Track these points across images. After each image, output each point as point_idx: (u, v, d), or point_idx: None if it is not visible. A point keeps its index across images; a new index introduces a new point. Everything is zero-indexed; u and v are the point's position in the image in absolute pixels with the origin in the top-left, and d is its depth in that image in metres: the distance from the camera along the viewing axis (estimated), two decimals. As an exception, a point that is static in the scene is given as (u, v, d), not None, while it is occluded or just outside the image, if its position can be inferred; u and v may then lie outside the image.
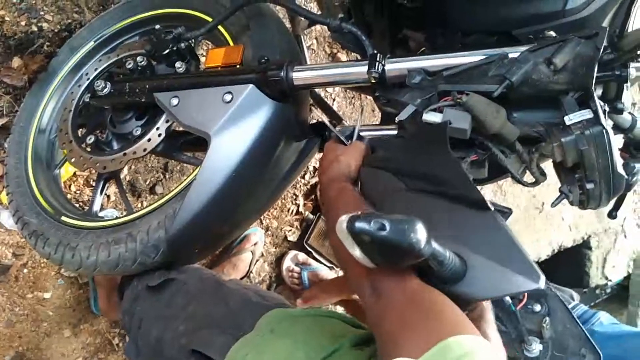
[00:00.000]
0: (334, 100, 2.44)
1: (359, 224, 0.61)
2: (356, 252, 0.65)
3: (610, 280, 3.91)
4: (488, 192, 3.02)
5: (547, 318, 0.93)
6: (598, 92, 0.94)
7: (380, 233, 0.60)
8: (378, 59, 1.04)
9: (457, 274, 0.70)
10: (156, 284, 1.19)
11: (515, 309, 0.71)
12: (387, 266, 0.69)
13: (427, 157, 0.93)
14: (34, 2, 1.64)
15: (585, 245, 3.73)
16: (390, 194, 0.94)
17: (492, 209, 0.79)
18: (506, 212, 0.91)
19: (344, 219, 0.64)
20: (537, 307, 0.90)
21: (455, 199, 0.83)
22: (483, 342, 0.61)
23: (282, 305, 1.12)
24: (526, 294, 0.74)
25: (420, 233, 0.61)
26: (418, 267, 0.69)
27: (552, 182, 1.00)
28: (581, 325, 1.06)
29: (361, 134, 1.18)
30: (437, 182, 0.87)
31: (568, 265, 3.71)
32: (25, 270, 1.68)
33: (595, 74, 0.86)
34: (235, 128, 1.11)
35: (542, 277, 0.69)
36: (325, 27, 1.22)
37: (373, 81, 1.06)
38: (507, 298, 0.72)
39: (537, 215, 3.32)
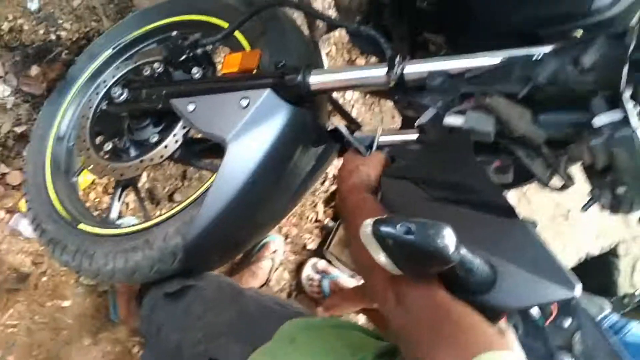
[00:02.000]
0: (352, 106, 2.41)
1: (385, 228, 0.59)
2: (381, 258, 0.62)
3: (638, 289, 3.81)
4: (513, 198, 2.97)
5: (578, 332, 0.89)
6: (628, 92, 0.91)
7: (407, 237, 0.57)
8: (397, 61, 1.01)
9: (486, 283, 0.66)
10: (174, 290, 1.18)
11: (544, 324, 0.68)
12: (413, 273, 0.66)
13: (450, 165, 0.90)
14: (52, 10, 1.65)
15: (612, 253, 3.64)
16: (414, 204, 0.90)
17: (521, 216, 0.76)
18: (531, 224, 0.88)
19: (368, 223, 0.61)
20: (567, 322, 0.86)
21: (481, 206, 0.79)
22: (517, 358, 0.58)
23: (301, 314, 1.09)
24: (556, 309, 0.70)
25: (448, 238, 0.58)
26: (443, 276, 0.66)
27: (578, 189, 0.96)
28: (610, 340, 1.02)
29: (381, 140, 1.16)
30: (462, 190, 0.83)
31: (595, 273, 3.62)
32: (44, 279, 1.68)
33: (624, 74, 0.83)
34: (252, 133, 1.09)
35: (579, 285, 0.66)
36: (344, 34, 1.20)
37: (392, 84, 1.03)
38: (535, 313, 0.68)
39: (563, 222, 3.25)
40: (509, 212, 0.77)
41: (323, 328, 0.98)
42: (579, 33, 0.96)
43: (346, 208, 1.00)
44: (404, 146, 1.14)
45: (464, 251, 0.61)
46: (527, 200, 3.08)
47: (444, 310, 0.64)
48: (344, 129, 1.18)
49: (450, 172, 0.89)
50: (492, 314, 0.65)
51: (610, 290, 3.72)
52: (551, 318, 0.70)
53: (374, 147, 1.14)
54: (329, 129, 1.31)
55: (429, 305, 0.66)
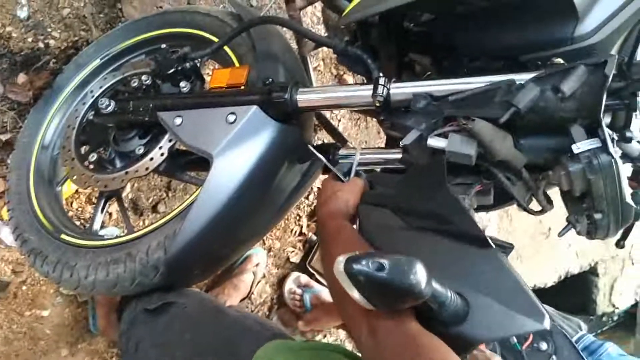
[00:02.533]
0: (339, 121, 2.43)
1: (357, 266, 0.59)
2: (354, 294, 0.63)
3: (617, 308, 3.86)
4: (494, 216, 3.00)
5: (554, 357, 0.91)
6: (606, 120, 0.93)
7: (379, 274, 0.58)
8: (383, 83, 1.03)
9: (458, 315, 0.68)
10: (154, 307, 1.17)
11: (521, 348, 0.69)
12: (386, 308, 0.67)
13: (426, 193, 0.91)
14: (41, 19, 1.65)
15: (592, 272, 3.69)
16: (390, 233, 0.91)
17: (494, 246, 0.77)
18: (507, 248, 0.89)
19: (341, 260, 0.62)
20: (544, 346, 0.88)
21: (456, 236, 0.80)
22: None
23: (282, 336, 1.09)
24: (532, 335, 0.72)
25: (420, 274, 0.59)
26: (417, 308, 0.67)
27: (559, 208, 0.98)
28: None
29: (364, 159, 1.17)
30: (438, 220, 0.85)
31: (575, 292, 3.66)
32: (24, 288, 1.66)
33: (603, 103, 0.85)
34: (238, 149, 1.10)
35: (547, 317, 0.67)
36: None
37: (377, 105, 1.05)
38: (513, 337, 0.69)
39: (544, 241, 3.29)
40: (483, 242, 0.78)
41: (302, 350, 0.98)
42: (559, 61, 0.97)
43: (323, 234, 1.01)
44: (382, 173, 1.15)
45: (436, 285, 0.62)
46: (508, 218, 3.12)
47: (418, 343, 0.65)
48: (320, 155, 1.18)
49: (426, 202, 0.90)
50: (464, 345, 0.66)
51: (589, 308, 3.77)
52: (527, 342, 0.71)
53: (352, 173, 1.14)
54: (319, 146, 1.32)
55: (400, 338, 0.67)
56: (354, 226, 1.01)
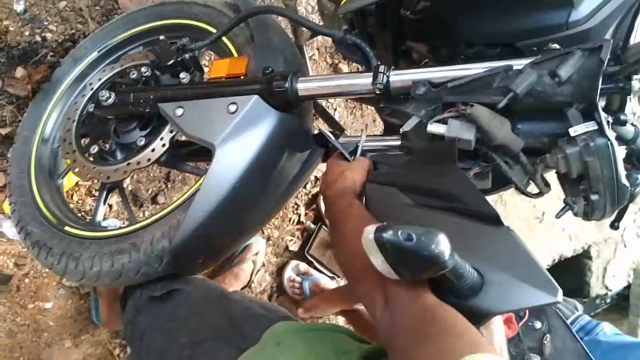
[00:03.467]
0: (335, 110, 2.45)
1: (387, 235, 0.62)
2: (380, 263, 0.65)
3: (610, 290, 3.90)
4: (489, 201, 3.02)
5: (548, 335, 0.93)
6: (601, 103, 0.95)
7: (408, 244, 0.61)
8: (382, 71, 1.04)
9: (474, 288, 0.70)
10: (160, 294, 1.18)
11: (517, 325, 0.72)
12: (410, 277, 0.69)
13: (435, 173, 0.93)
14: (38, 12, 1.65)
15: (585, 255, 3.73)
16: (399, 210, 0.93)
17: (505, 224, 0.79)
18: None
19: (370, 230, 0.64)
20: (538, 324, 0.90)
21: (466, 214, 0.83)
22: None
23: (287, 318, 1.11)
24: (527, 312, 0.74)
25: (444, 244, 0.62)
26: (434, 281, 0.69)
27: (553, 192, 1.01)
28: (581, 342, 1.06)
29: (365, 145, 1.19)
30: (447, 198, 0.87)
31: (569, 274, 3.71)
32: (26, 280, 1.68)
33: (599, 87, 0.87)
34: (240, 138, 1.11)
35: (560, 291, 0.70)
36: (327, 38, 1.23)
37: (377, 92, 1.06)
38: None
39: (538, 225, 3.32)
40: (495, 219, 0.80)
41: (308, 331, 1.00)
42: (555, 46, 0.99)
43: (333, 214, 1.03)
44: (387, 153, 1.17)
45: (457, 257, 0.65)
46: (502, 202, 3.15)
47: (434, 314, 0.67)
48: (328, 134, 1.21)
49: (435, 180, 0.92)
50: (478, 318, 0.69)
51: (583, 291, 3.81)
52: (523, 320, 0.73)
53: (358, 153, 1.17)
54: (314, 134, 1.33)
55: (417, 310, 0.69)
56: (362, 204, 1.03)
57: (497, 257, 0.75)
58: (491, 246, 0.78)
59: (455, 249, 0.65)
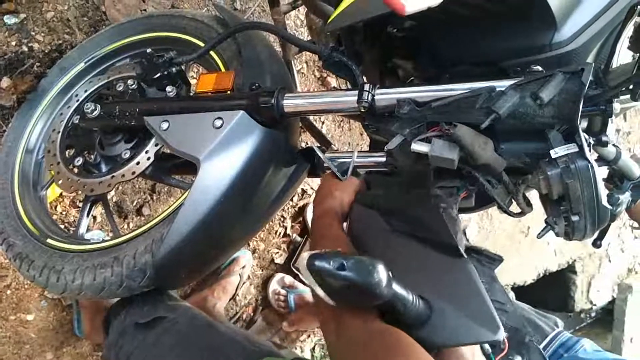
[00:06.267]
0: (322, 123, 2.45)
1: (319, 262, 0.62)
2: (318, 290, 0.66)
3: (595, 305, 3.93)
4: (475, 216, 3.04)
5: (527, 370, 0.93)
6: (583, 125, 0.96)
7: (339, 272, 0.61)
8: (368, 89, 1.05)
9: (420, 318, 0.71)
10: (145, 321, 1.17)
11: (495, 359, 0.72)
12: (347, 305, 0.69)
13: (411, 199, 0.96)
14: (25, 22, 1.64)
15: (570, 269, 3.76)
16: (374, 234, 0.95)
17: (466, 256, 0.81)
18: (496, 260, 0.93)
19: (305, 256, 0.64)
20: (518, 359, 0.91)
21: (432, 243, 0.85)
22: None
23: (272, 353, 1.11)
24: (507, 345, 0.75)
25: (380, 274, 0.62)
26: (385, 310, 0.70)
27: (538, 208, 1.02)
28: None
29: (357, 165, 1.20)
30: (417, 226, 0.89)
31: (553, 289, 3.73)
32: (8, 292, 1.66)
33: (580, 109, 0.88)
34: (225, 153, 1.11)
35: (501, 329, 0.71)
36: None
37: (362, 110, 1.07)
38: (487, 347, 0.73)
39: (523, 239, 3.34)
40: (455, 252, 0.82)
41: None
42: (537, 68, 1.00)
43: (314, 232, 1.05)
44: (380, 175, 1.18)
45: (397, 287, 0.65)
46: (488, 217, 3.16)
47: (381, 337, 0.68)
48: (321, 153, 1.22)
49: (409, 207, 0.94)
50: (427, 349, 0.69)
51: (568, 305, 3.83)
52: (502, 354, 0.74)
53: (349, 172, 1.17)
54: (300, 149, 1.34)
55: (365, 333, 0.70)
56: (345, 224, 1.04)
57: (449, 288, 0.77)
58: (445, 277, 0.79)
59: (410, 277, 0.67)
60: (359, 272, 0.61)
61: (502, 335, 0.70)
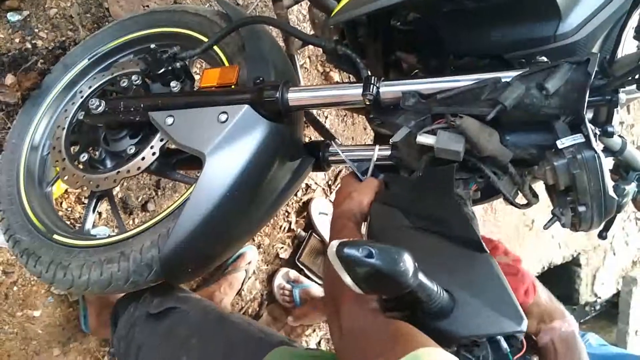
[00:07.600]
0: (326, 117, 2.45)
1: (348, 250, 0.62)
2: (346, 278, 0.66)
3: (599, 298, 3.93)
4: (479, 209, 3.04)
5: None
6: (589, 115, 0.96)
7: (367, 260, 0.61)
8: (373, 82, 1.05)
9: (444, 310, 0.72)
10: (156, 312, 1.18)
11: (512, 358, 0.72)
12: (372, 293, 0.70)
13: (432, 197, 0.96)
14: (28, 19, 1.64)
15: (574, 262, 3.76)
16: (395, 230, 0.96)
17: (488, 251, 0.82)
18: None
19: (334, 244, 0.65)
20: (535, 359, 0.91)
21: (454, 239, 0.85)
22: (453, 358, 0.62)
23: (285, 343, 1.11)
24: (525, 345, 0.75)
25: (407, 263, 0.63)
26: (407, 300, 0.70)
27: (542, 200, 1.02)
28: None
29: (353, 157, 1.20)
30: (440, 222, 0.89)
31: (558, 282, 3.73)
32: (15, 288, 1.66)
33: (586, 100, 0.88)
34: (230, 148, 1.11)
35: (525, 320, 0.72)
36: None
37: (367, 103, 1.07)
38: (505, 346, 0.73)
39: (527, 232, 3.34)
40: (478, 246, 0.83)
41: (306, 357, 1.01)
42: (542, 59, 1.00)
43: (330, 233, 1.06)
44: (399, 175, 1.17)
45: (422, 277, 0.66)
46: (493, 210, 3.16)
47: (384, 326, 0.70)
48: (340, 152, 1.22)
49: (431, 205, 0.94)
50: (445, 339, 0.70)
51: (573, 298, 3.83)
52: (520, 354, 0.74)
53: (369, 173, 1.17)
54: (305, 143, 1.34)
55: (374, 324, 0.72)
56: (364, 224, 1.05)
57: (472, 281, 0.77)
58: (468, 271, 0.80)
59: (433, 271, 0.67)
60: (386, 260, 0.61)
61: (525, 326, 0.71)
